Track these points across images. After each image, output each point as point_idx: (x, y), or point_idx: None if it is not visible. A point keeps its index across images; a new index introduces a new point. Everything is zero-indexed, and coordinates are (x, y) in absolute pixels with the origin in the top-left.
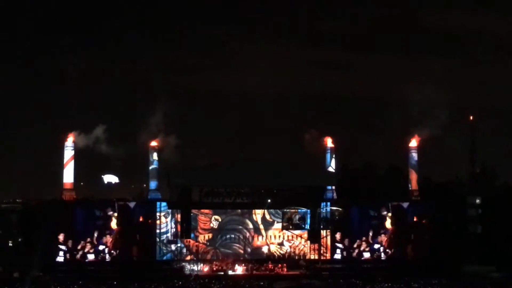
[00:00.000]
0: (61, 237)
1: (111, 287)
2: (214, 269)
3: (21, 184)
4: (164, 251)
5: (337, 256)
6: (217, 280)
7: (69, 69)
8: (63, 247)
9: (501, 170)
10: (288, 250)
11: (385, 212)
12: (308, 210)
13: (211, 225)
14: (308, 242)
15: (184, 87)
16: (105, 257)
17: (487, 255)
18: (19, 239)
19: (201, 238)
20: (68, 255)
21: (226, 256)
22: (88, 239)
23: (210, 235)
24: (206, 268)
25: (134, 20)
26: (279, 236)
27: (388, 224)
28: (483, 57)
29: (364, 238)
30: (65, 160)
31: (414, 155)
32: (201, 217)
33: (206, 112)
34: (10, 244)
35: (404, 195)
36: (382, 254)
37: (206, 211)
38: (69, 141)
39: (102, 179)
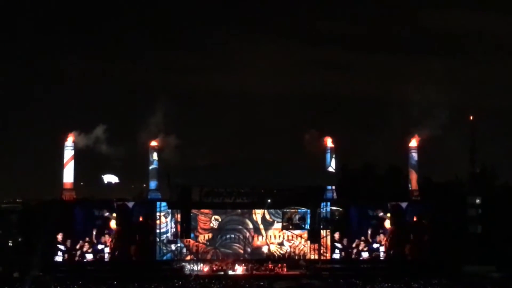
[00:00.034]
0: (59, 236)
1: (111, 287)
2: (214, 269)
3: (21, 184)
4: (164, 251)
5: (336, 256)
6: (217, 280)
7: (69, 69)
8: (61, 247)
9: (501, 170)
10: (288, 250)
11: (384, 212)
12: (308, 210)
13: (211, 225)
14: (308, 242)
15: (184, 87)
16: (103, 257)
17: (487, 255)
18: (19, 239)
19: (201, 238)
20: (66, 255)
21: (226, 256)
22: (87, 239)
23: (210, 235)
24: (206, 268)
25: (134, 20)
26: (279, 236)
27: (387, 224)
28: (483, 57)
29: (362, 238)
30: (65, 160)
31: (414, 155)
32: (201, 217)
33: (206, 112)
34: (10, 244)
35: (404, 195)
36: (381, 254)
37: (206, 211)
38: (69, 141)
39: (102, 179)
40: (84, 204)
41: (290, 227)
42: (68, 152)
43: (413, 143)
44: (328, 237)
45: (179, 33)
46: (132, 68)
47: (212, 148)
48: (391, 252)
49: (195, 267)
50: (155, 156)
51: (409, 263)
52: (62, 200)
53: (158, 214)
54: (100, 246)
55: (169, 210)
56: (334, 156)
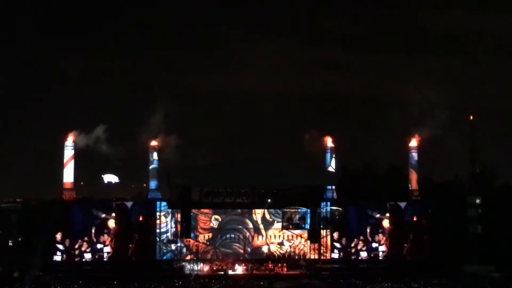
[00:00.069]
0: (58, 236)
1: (111, 287)
2: (214, 268)
3: (21, 184)
4: (164, 250)
5: (335, 255)
6: (217, 279)
7: (69, 69)
8: (60, 246)
9: (501, 170)
10: (288, 250)
11: (382, 212)
12: (308, 210)
13: (211, 224)
14: (308, 242)
15: (184, 87)
16: (102, 256)
17: (487, 255)
18: (19, 239)
19: (201, 237)
20: (65, 255)
21: (226, 256)
22: (86, 238)
23: (210, 234)
24: (206, 268)
25: (134, 20)
26: (279, 236)
27: (386, 223)
28: (483, 57)
29: (361, 238)
30: (65, 160)
31: (414, 155)
32: (201, 217)
33: (206, 112)
34: (10, 244)
35: (404, 195)
36: (380, 253)
37: (206, 210)
38: (69, 141)
39: (102, 179)
40: (83, 204)
41: (290, 227)
42: (68, 152)
43: (413, 143)
44: (328, 237)
45: (179, 33)
46: (132, 68)
47: (212, 148)
48: (390, 252)
49: (195, 267)
50: (155, 156)
51: (408, 263)
52: (62, 200)
53: (158, 214)
54: (99, 246)
55: (169, 210)
56: (334, 156)
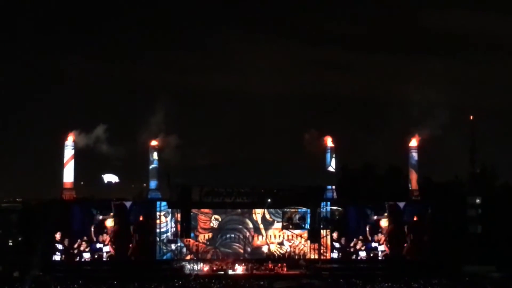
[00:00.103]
0: (57, 235)
1: (111, 287)
2: (214, 268)
3: (21, 184)
4: (164, 250)
5: (334, 255)
6: (217, 279)
7: (69, 69)
8: (59, 246)
9: (501, 170)
10: (288, 250)
11: (381, 212)
12: (308, 210)
13: (211, 224)
14: (308, 241)
15: (184, 87)
16: (102, 256)
17: (487, 255)
18: (19, 239)
19: (201, 237)
20: (64, 254)
21: (226, 256)
22: (85, 238)
23: (210, 234)
24: (206, 268)
25: (134, 20)
26: (279, 236)
27: (385, 223)
28: (483, 57)
29: (360, 237)
30: (65, 160)
31: (414, 155)
32: (201, 217)
33: (206, 112)
34: (10, 244)
35: (404, 195)
36: (379, 253)
37: (206, 210)
38: (69, 141)
39: (102, 179)
40: (82, 203)
41: (290, 226)
42: (68, 152)
43: (413, 143)
44: (328, 237)
45: (179, 33)
46: (132, 68)
47: (212, 148)
48: (388, 251)
49: (195, 267)
50: (155, 155)
51: (408, 263)
52: (62, 200)
53: (158, 213)
54: (98, 245)
55: (169, 210)
56: (334, 156)
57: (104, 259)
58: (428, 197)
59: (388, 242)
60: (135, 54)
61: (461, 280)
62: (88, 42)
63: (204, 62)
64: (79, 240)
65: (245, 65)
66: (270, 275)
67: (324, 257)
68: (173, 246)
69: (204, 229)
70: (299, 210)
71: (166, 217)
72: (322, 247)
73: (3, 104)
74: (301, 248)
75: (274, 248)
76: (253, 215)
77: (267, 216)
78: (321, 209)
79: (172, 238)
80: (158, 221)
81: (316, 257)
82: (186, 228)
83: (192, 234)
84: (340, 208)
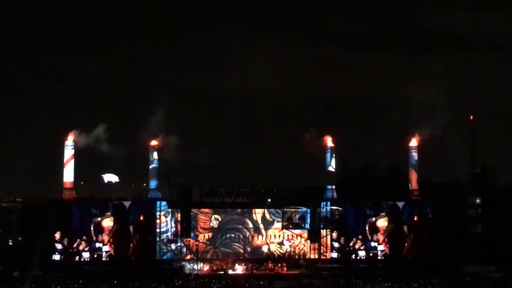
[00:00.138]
0: (57, 235)
1: (111, 287)
2: (214, 268)
3: (21, 184)
4: (164, 250)
5: (334, 255)
6: (217, 279)
7: (69, 69)
8: (59, 245)
9: (501, 170)
10: (288, 250)
11: (380, 211)
12: (308, 210)
13: (211, 224)
14: (308, 241)
15: (184, 87)
16: (101, 255)
17: (487, 255)
18: (19, 238)
19: (201, 237)
20: (63, 254)
21: (226, 256)
22: (84, 237)
23: (210, 234)
24: (206, 268)
25: (134, 20)
26: (279, 236)
27: (381, 223)
28: (483, 57)
29: (360, 237)
30: (65, 159)
31: (414, 155)
32: (201, 217)
33: (206, 112)
34: (10, 243)
35: (404, 195)
36: (379, 253)
37: (206, 210)
38: (69, 140)
39: (102, 179)
40: (82, 203)
41: (290, 226)
42: (68, 151)
43: (413, 143)
44: (328, 237)
45: (179, 33)
46: (132, 68)
47: (212, 148)
48: (389, 251)
49: (195, 267)
50: (155, 155)
51: (408, 263)
52: (62, 200)
53: (158, 213)
54: (97, 245)
55: (169, 210)
56: (334, 155)
57: (103, 259)
58: (428, 197)
59: (388, 242)
60: (135, 54)
61: (461, 280)
62: (88, 42)
63: (204, 62)
64: (78, 240)
65: (245, 65)
66: (270, 275)
67: (324, 257)
68: (173, 246)
69: (204, 229)
70: (299, 210)
71: (166, 217)
72: (322, 247)
73: (3, 104)
74: (301, 248)
75: (274, 248)
76: (253, 215)
77: (267, 216)
78: (321, 209)
79: (172, 238)
80: (158, 221)
81: (316, 257)
82: (186, 228)
83: (192, 234)
84: (340, 208)
